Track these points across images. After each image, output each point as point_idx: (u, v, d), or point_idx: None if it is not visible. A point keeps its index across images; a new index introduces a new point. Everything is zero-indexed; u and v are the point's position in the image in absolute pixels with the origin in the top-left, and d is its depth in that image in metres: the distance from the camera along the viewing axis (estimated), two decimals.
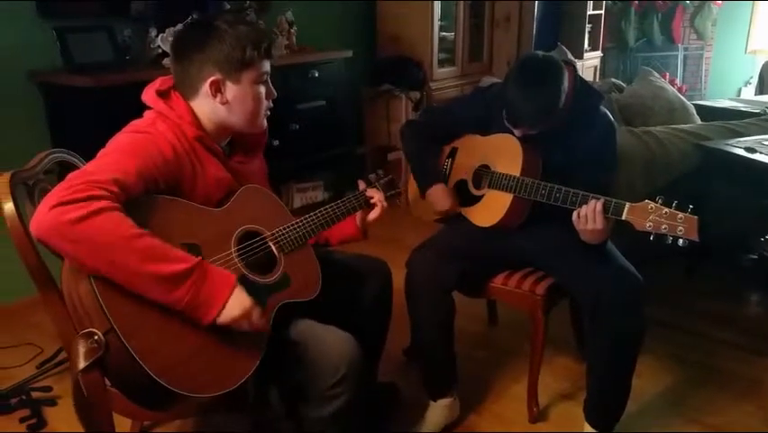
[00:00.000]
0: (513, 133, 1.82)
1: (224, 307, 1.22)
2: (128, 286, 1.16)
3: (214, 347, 1.26)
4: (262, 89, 1.45)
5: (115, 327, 1.14)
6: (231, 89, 1.40)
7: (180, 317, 1.22)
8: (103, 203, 1.13)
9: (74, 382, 1.22)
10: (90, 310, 1.17)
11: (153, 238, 1.18)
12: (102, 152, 1.28)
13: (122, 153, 1.26)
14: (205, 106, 1.41)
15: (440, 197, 1.98)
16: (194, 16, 2.83)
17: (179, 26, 2.75)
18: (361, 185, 1.76)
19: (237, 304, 1.24)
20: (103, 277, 1.15)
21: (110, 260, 1.13)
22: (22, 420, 2.05)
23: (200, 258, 1.23)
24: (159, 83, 1.43)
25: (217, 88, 1.39)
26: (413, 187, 2.19)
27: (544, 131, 1.80)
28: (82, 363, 1.17)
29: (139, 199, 1.24)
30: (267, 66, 1.44)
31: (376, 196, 1.73)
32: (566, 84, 1.73)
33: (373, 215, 1.73)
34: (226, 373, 1.26)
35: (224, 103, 1.41)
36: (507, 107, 1.76)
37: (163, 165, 1.30)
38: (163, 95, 1.41)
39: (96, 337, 1.16)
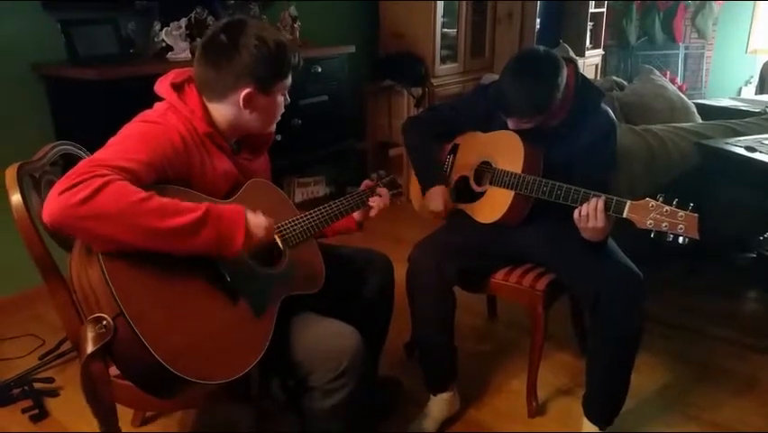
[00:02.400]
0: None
1: (246, 234, 1.28)
2: (153, 246, 1.18)
3: (221, 334, 1.28)
4: (283, 98, 1.49)
5: (124, 311, 1.15)
6: (261, 100, 1.42)
7: (190, 304, 1.24)
8: (106, 177, 1.14)
9: (83, 367, 1.24)
10: (100, 295, 1.18)
11: (161, 197, 1.20)
12: (112, 140, 1.28)
13: (132, 142, 1.27)
14: (227, 111, 1.42)
15: (435, 198, 1.98)
16: (198, 11, 2.85)
17: (183, 21, 2.80)
18: (365, 185, 1.80)
19: (257, 226, 1.32)
20: (126, 247, 1.17)
21: (128, 225, 1.14)
22: (24, 411, 2.07)
23: (208, 204, 1.25)
24: (173, 75, 1.44)
25: (249, 101, 1.40)
26: (415, 183, 2.20)
27: (545, 127, 1.82)
28: (90, 348, 1.18)
29: (149, 188, 1.24)
30: (290, 78, 1.47)
31: (374, 194, 1.77)
32: (562, 79, 1.74)
33: (372, 213, 1.78)
34: (233, 361, 1.28)
35: (251, 113, 1.42)
36: (500, 97, 1.77)
37: (173, 156, 1.31)
38: (177, 88, 1.41)
39: (104, 322, 1.17)
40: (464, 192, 2.01)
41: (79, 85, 2.49)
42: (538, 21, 4.74)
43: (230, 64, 1.36)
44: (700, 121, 3.09)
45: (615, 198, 1.60)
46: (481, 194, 1.95)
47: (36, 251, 1.33)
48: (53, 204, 1.12)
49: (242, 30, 1.37)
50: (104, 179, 1.14)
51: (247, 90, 1.39)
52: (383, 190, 1.79)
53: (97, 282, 1.18)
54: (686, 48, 6.57)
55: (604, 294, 1.71)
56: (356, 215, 1.78)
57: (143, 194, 1.17)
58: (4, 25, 2.54)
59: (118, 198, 1.14)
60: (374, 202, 1.76)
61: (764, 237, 3.06)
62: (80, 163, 1.18)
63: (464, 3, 4.34)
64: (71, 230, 1.15)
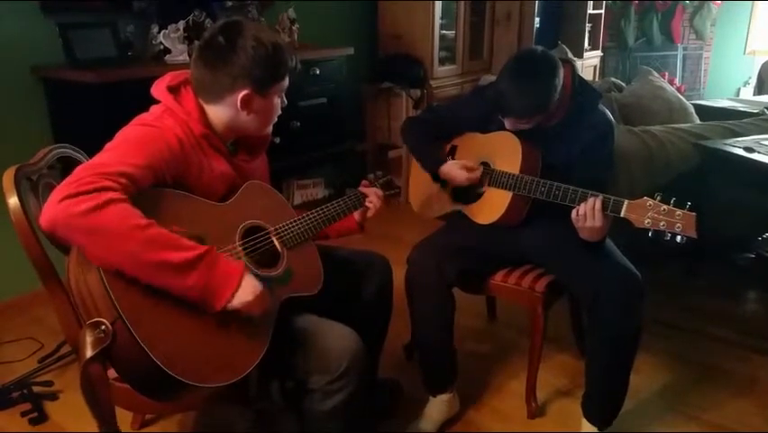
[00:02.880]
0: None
1: (235, 292, 1.23)
2: (140, 276, 1.17)
3: (220, 338, 1.28)
4: (280, 100, 1.49)
5: (123, 316, 1.15)
6: (258, 102, 1.42)
7: (188, 308, 1.23)
8: (111, 194, 1.14)
9: (82, 371, 1.24)
10: (98, 300, 1.18)
11: (161, 229, 1.19)
12: (109, 144, 1.29)
13: (130, 146, 1.27)
14: (223, 112, 1.42)
15: (454, 172, 1.93)
16: (196, 13, 2.85)
17: (181, 23, 2.80)
18: (362, 185, 1.80)
19: (249, 289, 1.25)
20: (111, 268, 1.16)
21: (121, 250, 1.14)
22: (23, 414, 2.07)
23: (210, 246, 1.24)
24: (169, 78, 1.44)
25: (246, 102, 1.40)
26: (414, 184, 2.20)
27: (542, 128, 1.82)
28: (89, 353, 1.18)
29: (146, 191, 1.25)
30: (288, 80, 1.47)
31: (371, 195, 1.76)
32: (560, 80, 1.74)
33: (370, 212, 1.78)
34: (232, 364, 1.27)
35: (248, 114, 1.43)
36: (497, 97, 1.77)
37: (171, 159, 1.31)
38: (173, 90, 1.42)
39: (103, 327, 1.17)
40: (463, 193, 2.01)
41: (78, 87, 2.49)
42: (537, 21, 4.73)
43: (227, 66, 1.37)
44: (699, 122, 3.09)
45: (612, 197, 1.60)
46: (480, 195, 1.95)
47: (34, 254, 1.33)
48: (53, 210, 1.12)
49: (239, 31, 1.37)
50: (108, 196, 1.13)
51: (244, 92, 1.39)
52: (379, 191, 1.79)
53: (95, 287, 1.18)
54: (684, 49, 6.58)
55: (602, 294, 1.71)
56: (356, 216, 1.78)
57: (144, 221, 1.16)
58: (2, 28, 2.54)
59: (119, 219, 1.14)
60: (370, 203, 1.76)
61: (763, 237, 3.07)
62: (80, 169, 1.18)
63: (463, 4, 4.35)
64: (65, 237, 1.16)
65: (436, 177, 2.02)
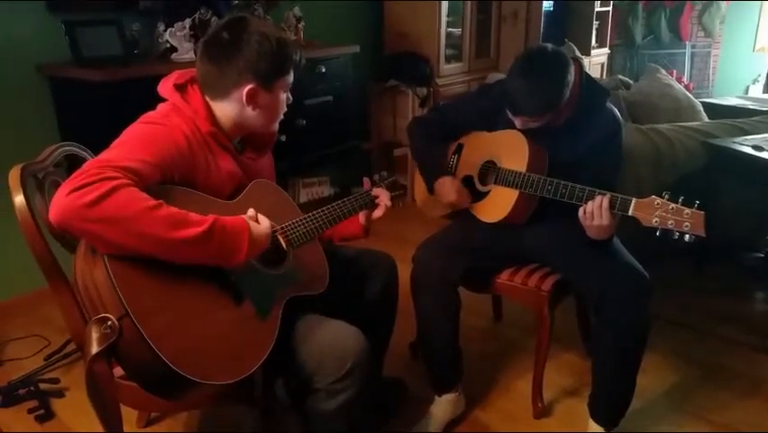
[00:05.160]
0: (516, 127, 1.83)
1: (250, 245, 1.28)
2: (158, 254, 1.18)
3: (226, 335, 1.28)
4: (286, 96, 1.48)
5: (130, 311, 1.15)
6: (263, 97, 1.42)
7: (194, 305, 1.23)
8: (117, 181, 1.14)
9: (87, 368, 1.24)
10: (105, 296, 1.17)
11: (170, 207, 1.19)
12: (116, 141, 1.28)
13: (137, 143, 1.27)
14: (230, 108, 1.42)
15: (446, 189, 1.95)
16: (202, 11, 2.85)
17: (187, 21, 2.80)
18: (366, 183, 1.78)
19: (260, 236, 1.32)
20: (129, 252, 1.16)
21: (136, 232, 1.14)
22: (30, 411, 2.08)
23: (214, 216, 1.25)
24: (176, 76, 1.44)
25: (252, 97, 1.40)
26: (420, 183, 2.19)
27: (550, 126, 1.81)
28: (95, 349, 1.18)
29: (154, 189, 1.24)
30: (292, 75, 1.47)
31: (381, 195, 1.75)
32: (570, 78, 1.73)
33: (377, 213, 1.75)
34: (238, 361, 1.27)
35: (254, 109, 1.42)
36: (507, 95, 1.76)
37: (178, 157, 1.31)
38: (180, 88, 1.42)
39: (109, 323, 1.17)
40: (469, 192, 2.00)
41: (84, 86, 2.50)
42: (547, 7, 4.71)
43: (232, 60, 1.37)
44: (707, 120, 3.07)
45: (620, 195, 1.60)
46: (486, 193, 1.95)
47: (39, 251, 1.33)
48: (61, 204, 1.11)
49: (243, 27, 1.37)
50: (114, 183, 1.13)
51: (249, 86, 1.39)
52: (385, 192, 1.77)
53: (102, 283, 1.18)
54: (693, 46, 6.54)
55: (609, 294, 1.70)
56: (362, 220, 1.77)
57: (153, 202, 1.17)
58: (8, 26, 2.55)
59: (127, 203, 1.13)
60: (381, 201, 1.74)
61: None
62: (86, 164, 1.18)
63: (469, 2, 4.33)
64: (77, 231, 1.15)
65: (430, 188, 2.02)
